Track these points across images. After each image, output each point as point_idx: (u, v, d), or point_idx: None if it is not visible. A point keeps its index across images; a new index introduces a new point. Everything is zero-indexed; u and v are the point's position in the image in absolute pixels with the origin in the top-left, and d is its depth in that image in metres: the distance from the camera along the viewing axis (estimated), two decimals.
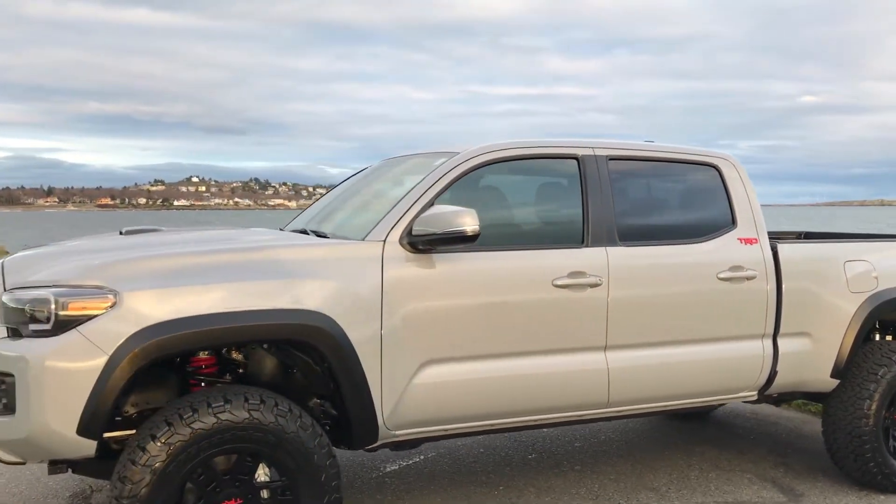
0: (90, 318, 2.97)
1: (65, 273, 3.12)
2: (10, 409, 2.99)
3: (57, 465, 3.24)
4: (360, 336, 3.31)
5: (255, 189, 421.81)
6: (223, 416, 3.04)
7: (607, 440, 5.53)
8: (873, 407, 4.46)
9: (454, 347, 3.55)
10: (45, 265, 3.29)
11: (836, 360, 4.45)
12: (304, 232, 4.03)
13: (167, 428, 2.99)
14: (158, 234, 3.86)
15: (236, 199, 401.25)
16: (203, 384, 3.42)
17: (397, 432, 3.53)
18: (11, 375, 2.96)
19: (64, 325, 2.97)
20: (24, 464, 3.22)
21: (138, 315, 3.00)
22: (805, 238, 5.94)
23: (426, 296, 3.48)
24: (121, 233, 4.04)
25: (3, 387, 3.00)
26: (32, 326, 3.02)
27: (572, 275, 3.77)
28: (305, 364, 3.52)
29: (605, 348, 3.89)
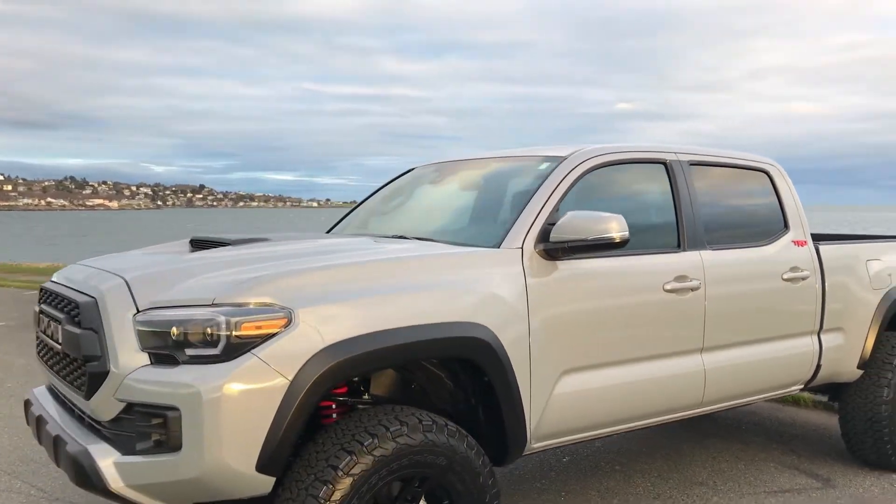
0: (265, 339, 2.64)
1: (218, 289, 2.75)
2: (171, 447, 2.60)
3: None
4: (512, 347, 3.17)
5: (70, 188, 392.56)
6: (401, 441, 2.81)
7: (622, 439, 5.64)
8: (891, 394, 4.86)
9: (587, 355, 3.49)
10: (175, 279, 2.88)
11: (862, 353, 4.80)
12: (401, 237, 3.78)
13: (348, 457, 2.72)
14: (267, 243, 3.48)
15: (49, 199, 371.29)
16: (335, 407, 3.13)
17: (536, 444, 3.42)
18: (175, 409, 2.57)
19: (237, 348, 2.62)
20: None
21: (318, 333, 2.70)
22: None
23: (560, 302, 3.39)
24: (192, 243, 3.64)
25: (163, 422, 2.60)
26: (192, 351, 2.64)
27: (678, 279, 3.82)
28: (431, 379, 3.34)
29: (702, 350, 3.97)
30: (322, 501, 2.66)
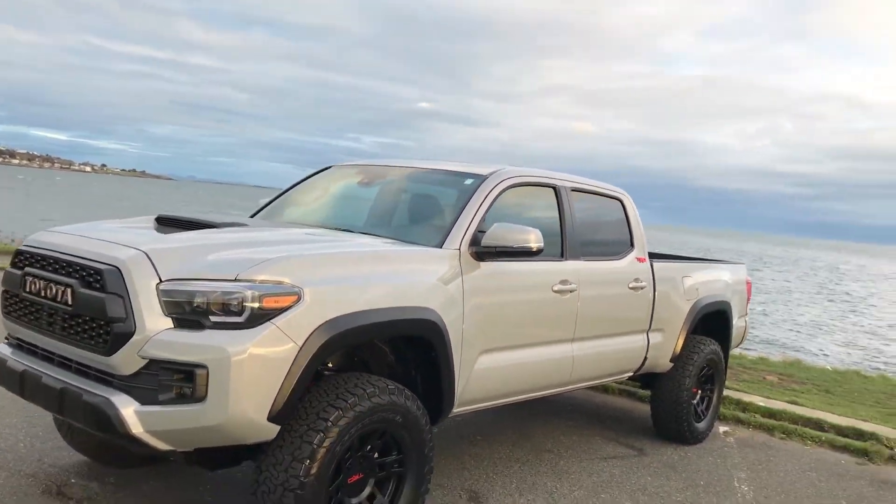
0: (280, 311, 3.18)
1: (240, 266, 3.23)
2: (196, 398, 3.06)
3: (192, 458, 3.33)
4: (451, 329, 3.92)
5: None
6: (374, 400, 3.46)
7: (477, 416, 6.54)
8: (691, 384, 6.18)
9: (498, 339, 4.32)
10: (192, 255, 3.31)
11: (675, 350, 6.07)
12: (346, 230, 4.38)
13: (336, 411, 3.33)
14: (252, 228, 3.94)
15: None
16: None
17: (457, 409, 4.18)
18: (203, 366, 3.04)
19: (259, 318, 3.13)
20: (172, 453, 3.25)
21: (321, 309, 3.28)
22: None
23: (483, 295, 4.18)
24: (158, 220, 4.01)
25: (190, 377, 3.06)
26: (217, 318, 3.12)
27: (562, 282, 4.76)
28: (374, 353, 3.99)
29: (573, 340, 4.95)
30: (314, 446, 3.25)
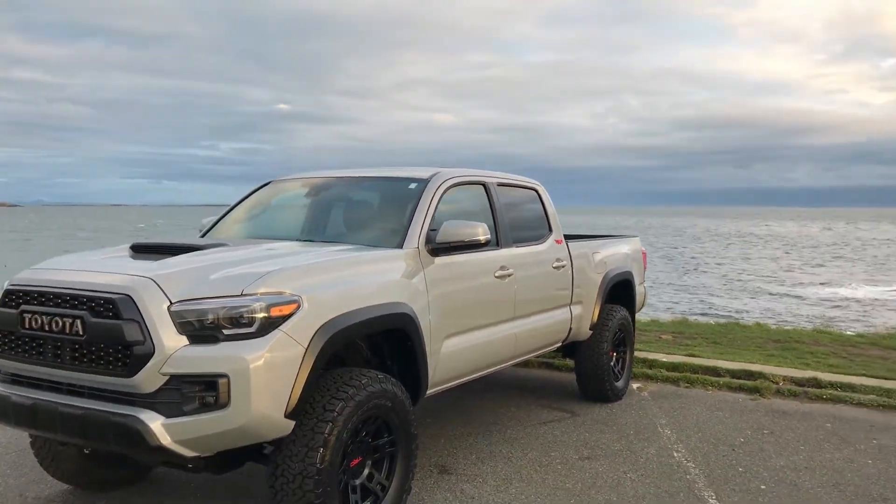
0: (285, 318, 3.53)
1: (242, 283, 3.55)
2: (220, 405, 3.37)
3: (199, 462, 3.63)
4: (422, 321, 4.37)
5: None
6: (369, 389, 3.87)
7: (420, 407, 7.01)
8: (608, 347, 6.91)
9: (457, 324, 4.80)
10: (194, 277, 3.60)
11: (592, 319, 6.77)
12: (308, 241, 4.73)
13: (340, 403, 3.72)
14: (233, 247, 4.22)
15: None
16: None
17: (429, 391, 4.63)
18: (224, 375, 3.36)
19: (267, 326, 3.48)
20: (196, 459, 3.53)
21: (317, 313, 3.66)
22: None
23: (441, 286, 4.64)
24: (134, 248, 4.24)
25: (213, 386, 3.36)
26: (229, 331, 3.44)
27: (501, 268, 5.31)
28: (348, 348, 4.38)
29: (513, 319, 5.51)
30: (325, 435, 3.63)
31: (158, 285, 3.50)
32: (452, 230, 4.62)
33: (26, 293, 3.75)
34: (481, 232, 4.65)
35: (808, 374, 7.90)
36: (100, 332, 3.46)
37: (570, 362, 7.60)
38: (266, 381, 3.43)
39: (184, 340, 3.43)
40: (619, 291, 7.30)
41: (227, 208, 5.68)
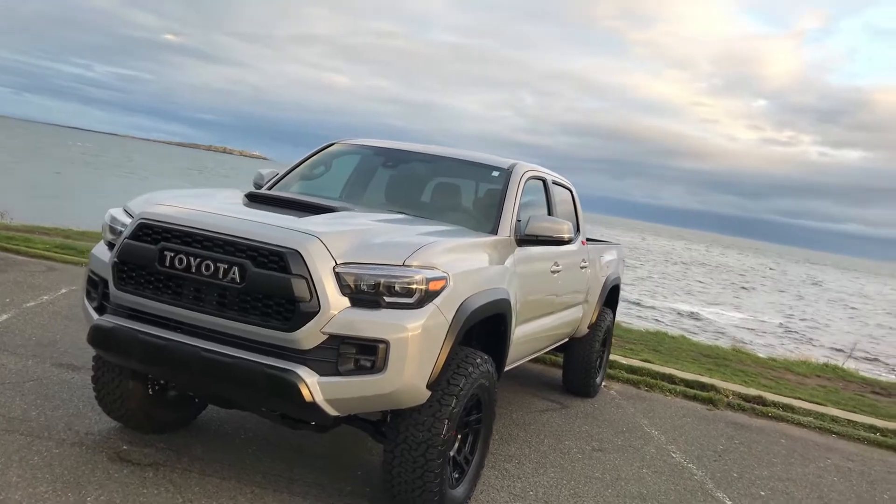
0: (437, 293, 3.66)
1: (403, 254, 3.64)
2: (377, 369, 3.47)
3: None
4: (512, 306, 4.58)
5: None
6: (481, 368, 4.06)
7: None
8: (599, 347, 7.35)
9: (526, 312, 5.03)
10: (357, 240, 3.65)
11: (592, 318, 7.17)
12: (406, 215, 4.79)
13: (462, 379, 3.88)
14: (354, 213, 4.23)
15: None
16: None
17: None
18: (384, 342, 3.46)
19: (424, 299, 3.60)
20: (334, 419, 3.59)
21: (458, 291, 3.80)
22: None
23: (521, 277, 4.86)
24: (252, 198, 4.21)
25: (372, 350, 3.45)
26: (390, 299, 3.53)
27: (555, 264, 5.58)
28: None
29: (552, 312, 5.80)
30: (451, 408, 3.79)
31: (325, 244, 3.53)
32: (541, 225, 4.83)
33: (168, 230, 3.66)
34: (566, 230, 4.89)
35: (753, 391, 8.68)
36: (262, 284, 3.46)
37: (553, 357, 7.99)
38: (419, 351, 3.56)
39: (345, 302, 3.49)
40: (612, 295, 7.74)
41: (293, 164, 5.62)
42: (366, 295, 3.52)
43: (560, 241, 4.91)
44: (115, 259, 3.77)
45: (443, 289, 3.70)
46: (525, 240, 4.87)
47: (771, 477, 5.94)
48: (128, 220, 3.98)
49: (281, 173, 5.58)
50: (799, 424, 7.90)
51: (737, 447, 6.62)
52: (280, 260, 3.46)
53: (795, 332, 30.48)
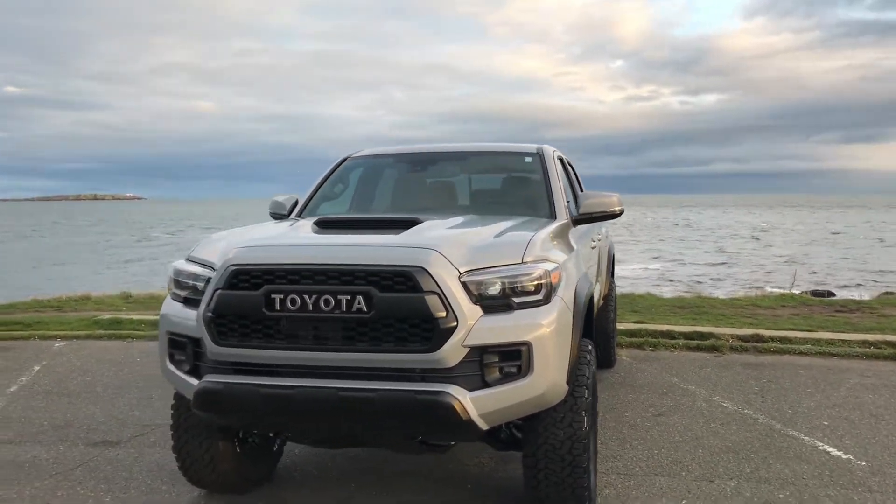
0: (557, 286, 3.54)
1: (516, 249, 3.52)
2: (522, 374, 3.33)
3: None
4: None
5: None
6: (593, 355, 3.99)
7: None
8: (614, 316, 7.40)
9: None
10: (465, 246, 3.48)
11: (604, 290, 7.20)
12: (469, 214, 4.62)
13: (585, 368, 3.79)
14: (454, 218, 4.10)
15: None
16: None
17: None
18: (526, 344, 3.32)
19: (550, 294, 3.48)
20: (480, 432, 3.42)
21: (568, 281, 3.70)
22: None
23: (582, 255, 4.80)
24: (322, 224, 3.96)
25: (516, 356, 3.31)
26: (519, 299, 3.39)
27: (593, 239, 5.55)
28: None
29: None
30: (585, 398, 3.69)
31: (444, 255, 3.35)
32: (594, 201, 4.78)
33: (270, 271, 3.38)
34: (617, 202, 4.85)
35: (747, 331, 8.96)
36: (392, 308, 3.24)
37: None
38: (557, 347, 3.45)
39: (478, 310, 3.33)
40: (612, 265, 7.80)
41: (314, 185, 5.32)
42: (495, 299, 3.37)
43: (613, 215, 4.87)
44: (210, 314, 3.45)
45: (559, 280, 3.59)
46: (579, 219, 4.80)
47: (819, 406, 6.13)
48: (199, 271, 3.67)
49: (304, 198, 5.29)
50: (801, 354, 8.20)
51: (768, 386, 6.80)
52: (407, 279, 3.25)
53: (715, 273, 31.92)
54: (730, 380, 7.01)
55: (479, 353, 3.30)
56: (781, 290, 13.54)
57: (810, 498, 4.25)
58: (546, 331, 3.37)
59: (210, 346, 3.47)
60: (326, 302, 3.29)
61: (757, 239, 54.85)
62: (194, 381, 3.55)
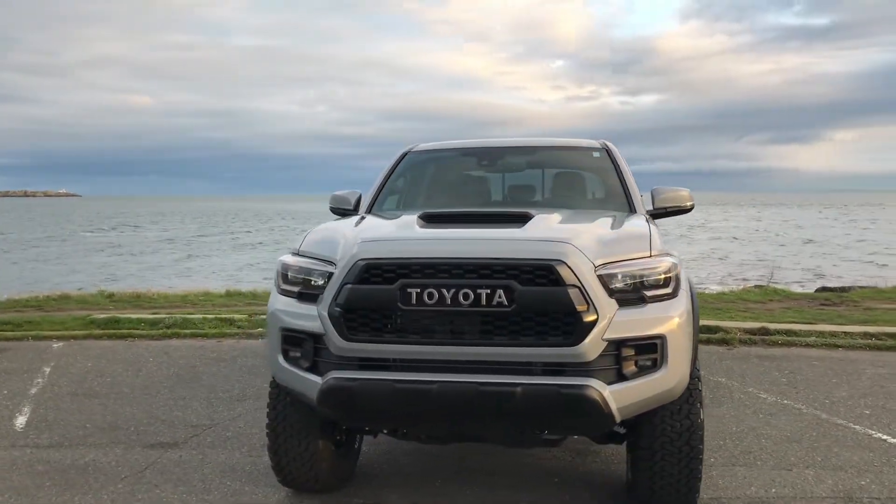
0: (680, 278, 3.57)
1: (641, 244, 3.59)
2: (656, 367, 3.36)
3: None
4: None
5: None
6: None
7: None
8: None
9: None
10: (593, 239, 3.50)
11: None
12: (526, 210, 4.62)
13: (696, 360, 3.83)
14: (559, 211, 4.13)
15: None
16: None
17: None
18: (662, 337, 3.35)
19: (677, 287, 3.52)
20: (613, 426, 3.42)
21: (684, 272, 3.74)
22: None
23: None
24: (428, 218, 3.91)
25: (652, 349, 3.34)
26: (650, 293, 3.42)
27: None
28: None
29: None
30: (696, 390, 3.72)
31: (580, 249, 3.35)
32: (669, 195, 4.85)
33: (406, 265, 3.33)
34: (689, 197, 4.92)
35: (751, 324, 9.19)
36: (534, 301, 3.23)
37: None
38: (686, 339, 3.50)
39: (614, 304, 3.34)
40: None
41: (378, 181, 5.25)
42: (629, 293, 3.39)
43: (685, 210, 4.94)
44: (338, 309, 3.37)
45: (680, 273, 3.63)
46: (655, 213, 4.86)
47: (851, 396, 6.32)
48: (314, 266, 3.60)
49: (370, 193, 5.20)
50: (808, 346, 8.44)
51: (794, 377, 6.99)
52: (549, 273, 3.24)
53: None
54: (754, 372, 7.17)
55: (616, 347, 3.31)
56: (756, 284, 13.92)
57: (891, 483, 4.39)
58: (677, 324, 3.41)
59: (337, 342, 3.40)
60: (465, 296, 3.25)
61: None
62: (316, 379, 3.47)
